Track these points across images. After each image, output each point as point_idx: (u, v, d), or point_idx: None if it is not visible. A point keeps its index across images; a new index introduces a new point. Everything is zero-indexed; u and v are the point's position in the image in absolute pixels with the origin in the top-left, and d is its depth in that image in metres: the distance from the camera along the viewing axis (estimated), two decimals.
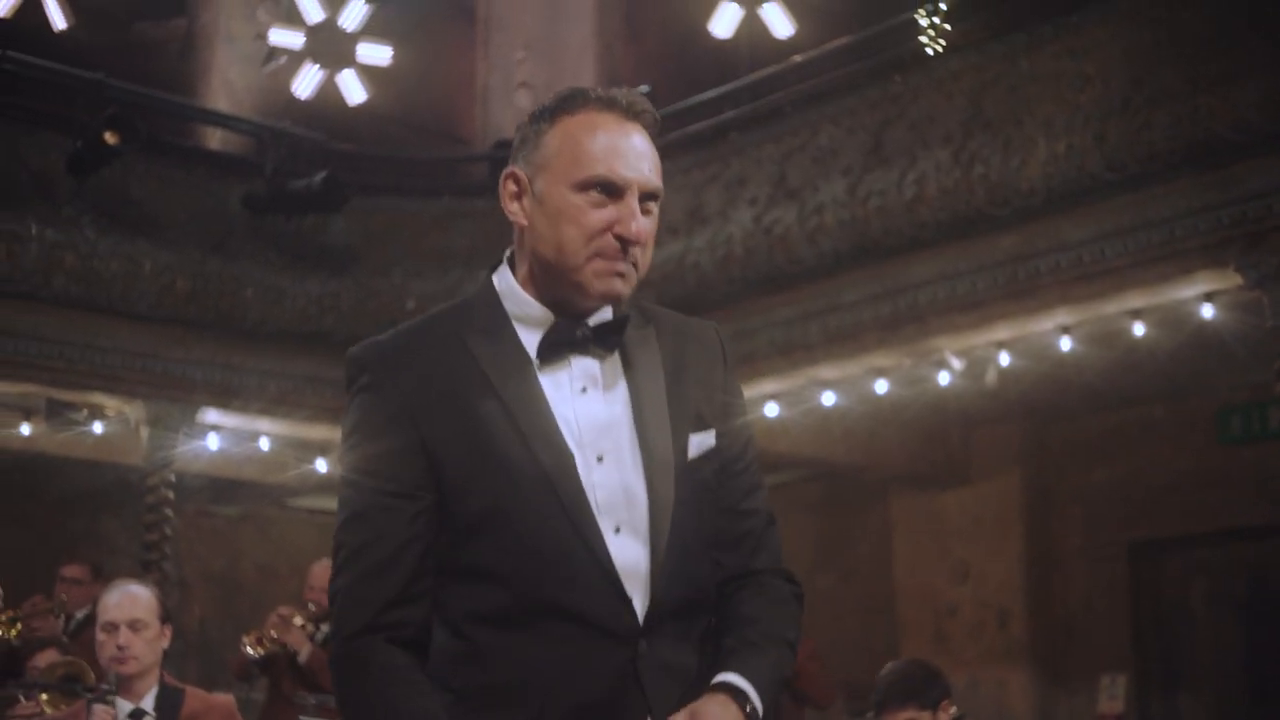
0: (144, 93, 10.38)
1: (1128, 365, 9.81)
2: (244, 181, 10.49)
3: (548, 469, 2.31)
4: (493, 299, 2.47)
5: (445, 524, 2.33)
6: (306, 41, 11.71)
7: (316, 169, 10.30)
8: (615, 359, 2.43)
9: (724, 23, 11.52)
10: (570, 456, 2.33)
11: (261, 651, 8.35)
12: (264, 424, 10.76)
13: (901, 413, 10.80)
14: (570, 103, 2.41)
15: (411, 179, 11.74)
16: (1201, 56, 8.04)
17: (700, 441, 2.44)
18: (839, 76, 10.02)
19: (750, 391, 10.12)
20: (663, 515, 2.35)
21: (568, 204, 2.35)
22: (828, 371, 10.06)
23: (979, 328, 9.35)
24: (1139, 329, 9.01)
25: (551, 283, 2.40)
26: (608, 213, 2.34)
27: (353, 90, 11.77)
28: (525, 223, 2.41)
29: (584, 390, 2.40)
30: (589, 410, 2.39)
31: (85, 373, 9.90)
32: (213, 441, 10.68)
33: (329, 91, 11.81)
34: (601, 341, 2.40)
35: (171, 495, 10.34)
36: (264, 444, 11.02)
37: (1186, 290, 8.64)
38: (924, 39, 9.38)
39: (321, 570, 8.31)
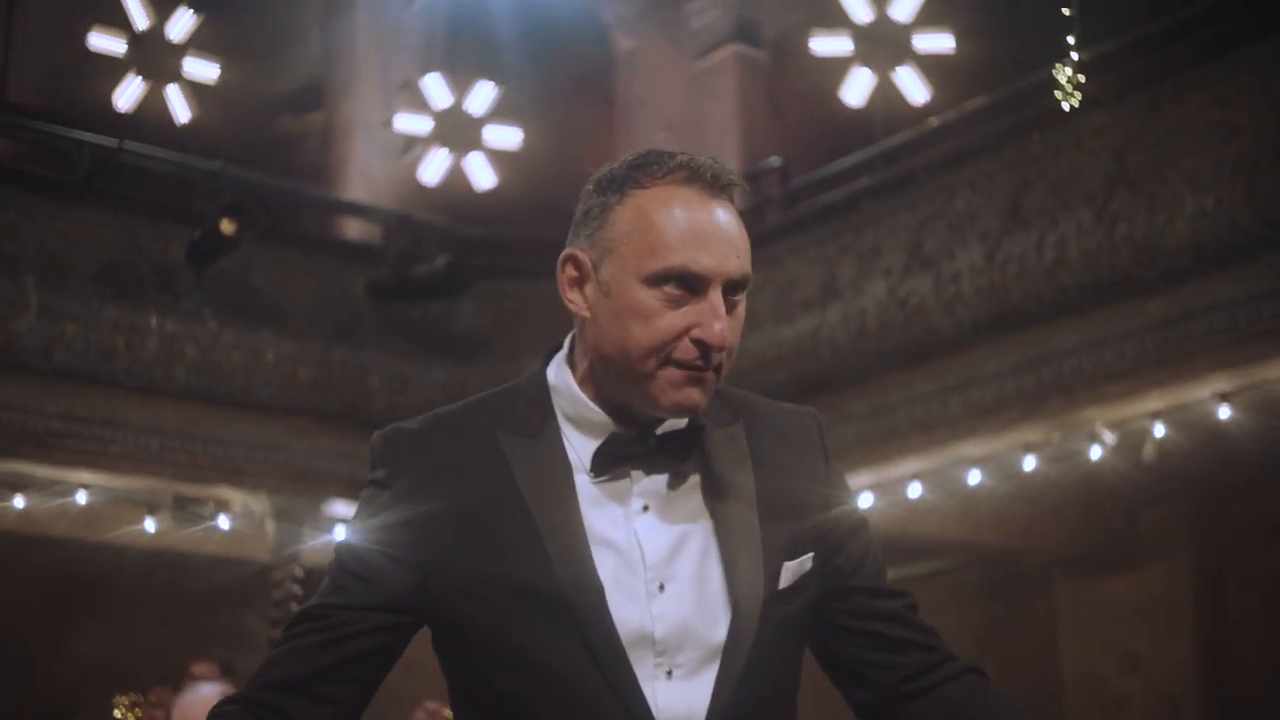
0: (263, 182, 10.31)
1: None
2: (369, 269, 10.35)
3: (570, 599, 1.94)
4: (542, 394, 2.10)
5: (457, 655, 2.03)
6: (435, 127, 11.59)
7: (443, 255, 10.12)
8: (690, 468, 2.06)
9: (856, 90, 11.14)
10: (599, 587, 1.96)
11: None
12: None
13: (1055, 491, 10.18)
14: (644, 172, 2.01)
15: (542, 262, 11.45)
16: None
17: (795, 568, 2.05)
18: (975, 139, 9.58)
19: (891, 471, 9.65)
20: (735, 657, 1.98)
21: (638, 300, 1.98)
22: (972, 448, 9.51)
23: (1130, 398, 8.74)
24: None
25: (615, 387, 2.03)
26: (687, 312, 1.97)
27: (481, 174, 11.60)
28: (587, 314, 2.03)
29: (645, 509, 2.03)
30: (650, 532, 2.02)
31: (209, 466, 9.78)
32: (341, 534, 10.46)
33: (459, 177, 11.66)
34: (672, 454, 2.04)
35: (300, 590, 10.13)
36: None
37: None
38: (1061, 95, 8.88)
39: None
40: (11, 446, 9.15)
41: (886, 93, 11.22)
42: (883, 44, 11.15)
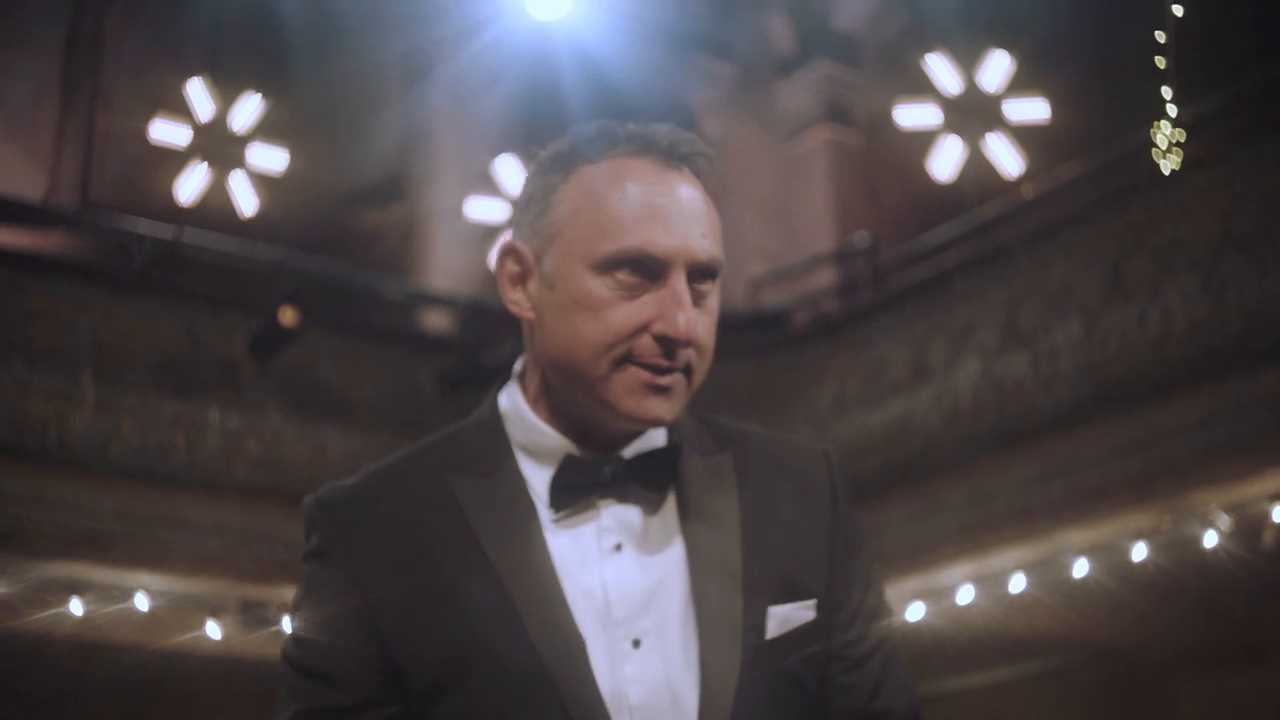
0: (327, 270, 10.04)
1: None
2: (438, 360, 10.01)
3: (547, 662, 1.67)
4: (495, 426, 1.80)
5: None
6: (509, 213, 11.28)
7: (513, 342, 9.75)
8: (669, 503, 1.78)
9: (945, 162, 10.67)
10: (580, 644, 1.69)
11: None
12: None
13: (1168, 581, 9.49)
14: (592, 145, 1.73)
15: None
16: None
17: (786, 616, 1.77)
18: (1071, 207, 9.10)
19: (991, 563, 9.08)
20: None
21: (586, 291, 1.68)
22: (1077, 537, 8.90)
23: (1246, 479, 8.13)
24: None
25: (569, 398, 1.73)
26: (645, 303, 1.68)
27: None
28: (531, 315, 1.74)
29: (617, 548, 1.75)
30: (623, 576, 1.74)
31: (273, 567, 9.40)
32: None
33: None
34: (645, 479, 1.72)
35: None
36: None
37: None
38: (1161, 158, 8.34)
39: None
40: (67, 548, 8.84)
41: (978, 164, 10.76)
42: (972, 114, 10.70)
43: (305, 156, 11.17)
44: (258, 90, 10.74)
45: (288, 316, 8.92)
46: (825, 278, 11.42)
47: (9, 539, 8.61)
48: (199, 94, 10.62)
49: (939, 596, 9.10)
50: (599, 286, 1.68)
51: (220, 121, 10.66)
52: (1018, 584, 9.25)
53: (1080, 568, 9.11)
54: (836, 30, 13.30)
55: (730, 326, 11.17)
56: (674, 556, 1.74)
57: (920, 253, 10.03)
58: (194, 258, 9.54)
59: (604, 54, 11.66)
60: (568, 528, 1.73)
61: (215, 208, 10.76)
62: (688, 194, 1.72)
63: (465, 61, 11.74)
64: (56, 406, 8.70)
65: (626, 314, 1.68)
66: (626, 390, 1.69)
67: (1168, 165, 8.29)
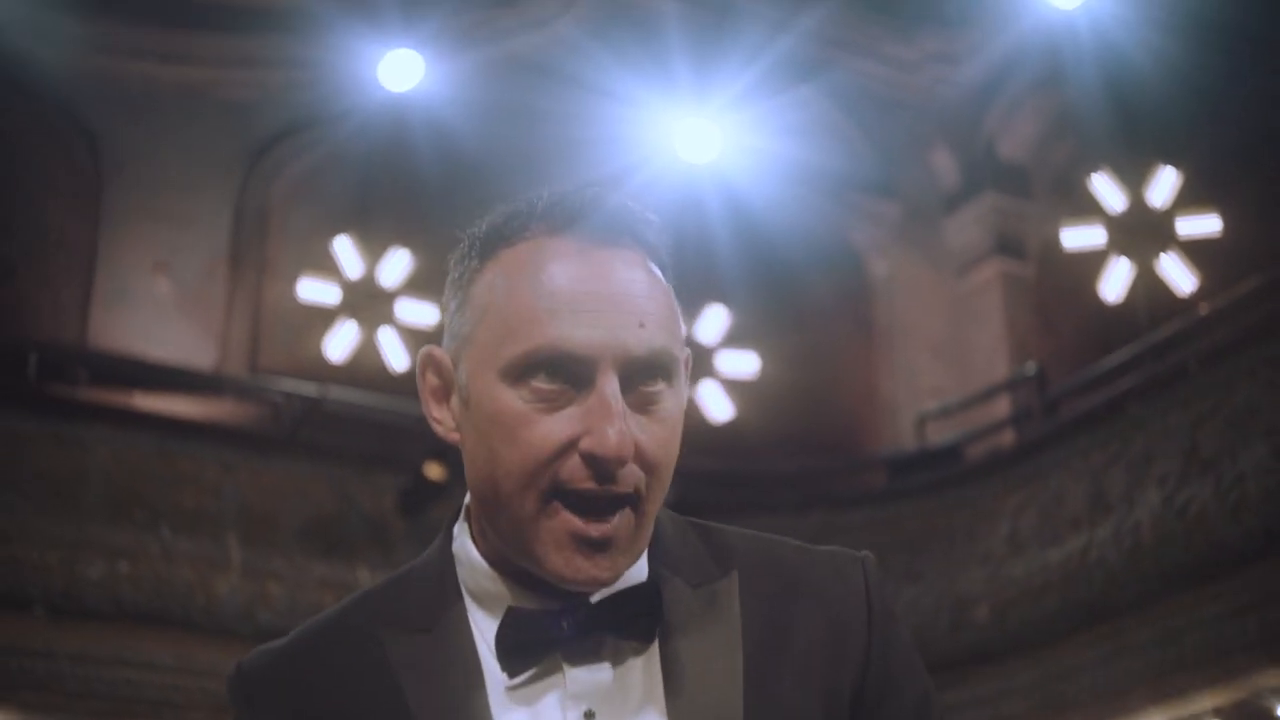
0: None
1: None
2: None
3: None
4: (444, 568, 1.47)
5: None
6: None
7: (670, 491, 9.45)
8: (651, 652, 1.42)
9: (1115, 283, 10.18)
10: None
11: None
12: None
13: None
14: (509, 224, 1.41)
15: (780, 494, 10.72)
16: None
17: None
18: (1251, 323, 8.57)
19: (1185, 707, 8.47)
20: None
21: (499, 405, 1.36)
22: (1276, 678, 8.19)
23: None
24: None
25: (503, 541, 1.40)
26: (568, 416, 1.34)
27: (717, 406, 10.96)
28: (456, 438, 1.42)
29: (588, 716, 1.40)
30: None
31: None
32: None
33: (690, 410, 11.07)
34: (619, 628, 1.38)
35: None
36: None
37: None
38: None
39: None
40: (215, 717, 8.68)
41: (1150, 284, 10.25)
42: (1142, 232, 10.22)
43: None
44: (404, 245, 10.74)
45: (435, 471, 8.75)
46: (995, 411, 10.95)
47: (160, 708, 8.49)
48: (346, 251, 10.65)
49: None
50: (513, 399, 1.36)
51: (369, 278, 10.67)
52: None
53: None
54: (1003, 160, 12.97)
55: (899, 465, 10.77)
56: None
57: (1093, 379, 9.53)
58: (342, 415, 9.46)
59: (756, 197, 11.49)
60: (523, 698, 1.40)
61: (366, 365, 10.72)
62: (623, 275, 1.38)
63: None
64: (202, 572, 8.61)
65: (546, 431, 1.35)
66: (555, 543, 1.36)
67: None
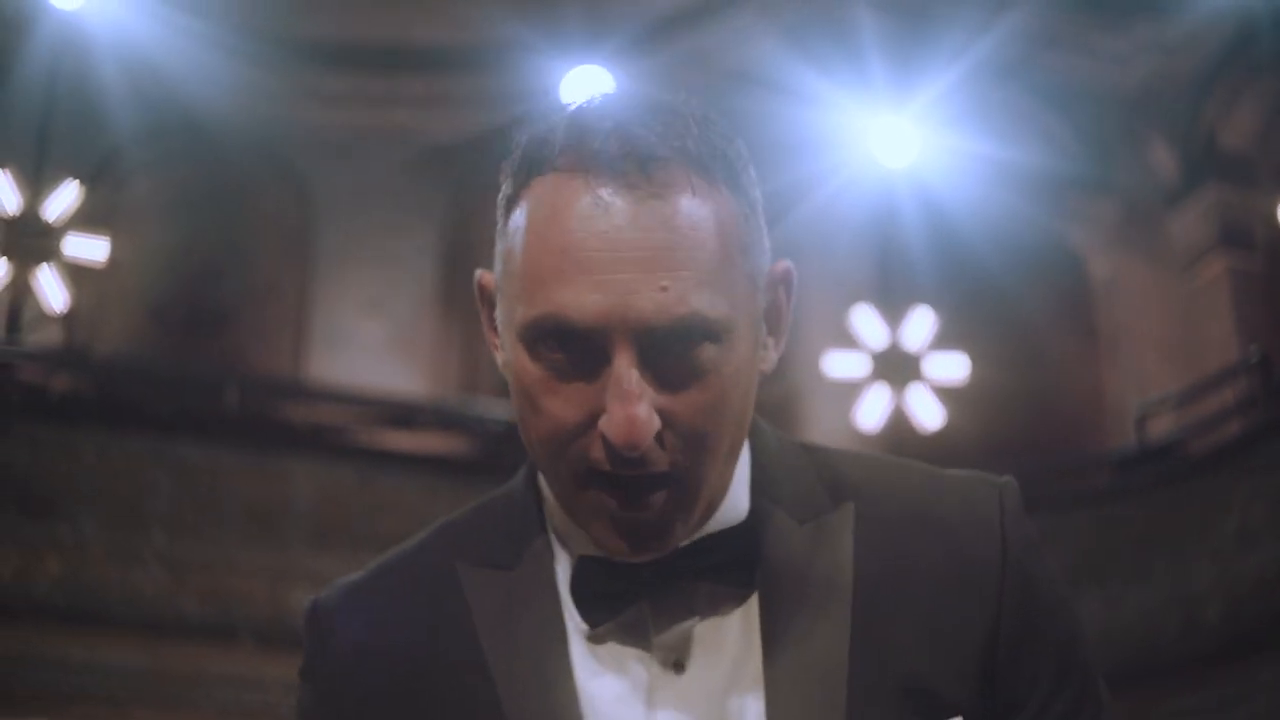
0: None
1: None
2: None
3: None
4: (528, 502, 1.34)
5: None
6: (873, 365, 10.82)
7: None
8: (750, 600, 1.27)
9: None
10: None
11: None
12: None
13: None
14: (542, 149, 1.22)
15: None
16: None
17: None
18: None
19: None
20: None
21: (522, 368, 1.21)
22: None
23: None
24: None
25: (555, 499, 1.29)
26: (584, 391, 1.19)
27: (927, 413, 10.67)
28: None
29: (677, 666, 1.25)
30: (684, 702, 1.24)
31: None
32: None
33: (898, 419, 10.81)
34: (712, 573, 1.26)
35: None
36: None
37: None
38: None
39: None
40: None
41: None
42: None
43: None
44: None
45: None
46: (1217, 403, 10.44)
47: None
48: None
49: None
50: (533, 365, 1.20)
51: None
52: None
53: None
54: (1226, 151, 12.50)
55: (1121, 464, 10.31)
56: (752, 674, 1.25)
57: None
58: None
59: (956, 200, 11.22)
60: (605, 648, 1.26)
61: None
62: (645, 223, 1.16)
63: (811, 210, 11.47)
64: None
65: (564, 406, 1.19)
66: (595, 518, 1.22)
67: None
